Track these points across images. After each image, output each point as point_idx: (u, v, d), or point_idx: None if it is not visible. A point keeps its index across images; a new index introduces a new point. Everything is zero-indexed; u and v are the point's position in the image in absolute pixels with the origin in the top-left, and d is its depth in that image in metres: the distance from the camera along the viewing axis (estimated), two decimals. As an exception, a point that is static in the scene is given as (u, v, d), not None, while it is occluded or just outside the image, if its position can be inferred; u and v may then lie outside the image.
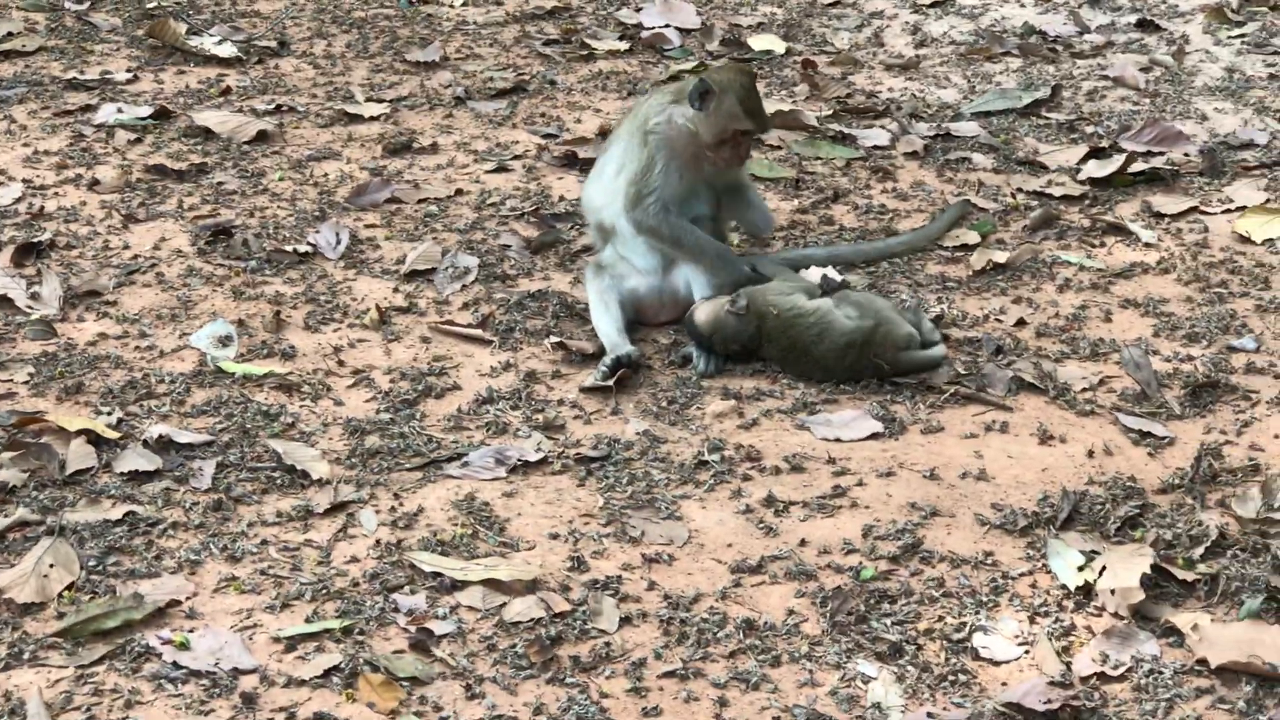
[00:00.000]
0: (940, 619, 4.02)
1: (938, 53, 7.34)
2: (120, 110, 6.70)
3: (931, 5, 7.86)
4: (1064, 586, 4.12)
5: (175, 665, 3.86)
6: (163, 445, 4.63)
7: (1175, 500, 4.44)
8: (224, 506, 4.42)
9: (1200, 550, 4.20)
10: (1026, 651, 3.93)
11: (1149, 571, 4.07)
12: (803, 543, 4.30)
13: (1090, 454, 4.64)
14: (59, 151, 6.36)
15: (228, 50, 7.31)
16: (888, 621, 4.01)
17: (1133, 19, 7.64)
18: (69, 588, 4.11)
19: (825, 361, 4.95)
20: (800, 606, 4.07)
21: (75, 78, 7.01)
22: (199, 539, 4.29)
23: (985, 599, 4.09)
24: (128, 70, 7.12)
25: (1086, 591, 4.09)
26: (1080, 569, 4.15)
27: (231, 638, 3.94)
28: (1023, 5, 7.84)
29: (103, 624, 3.98)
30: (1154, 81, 7.01)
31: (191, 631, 3.96)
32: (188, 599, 4.08)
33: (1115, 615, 4.01)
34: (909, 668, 3.88)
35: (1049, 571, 4.18)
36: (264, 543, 4.29)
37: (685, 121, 5.17)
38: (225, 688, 3.80)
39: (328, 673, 3.85)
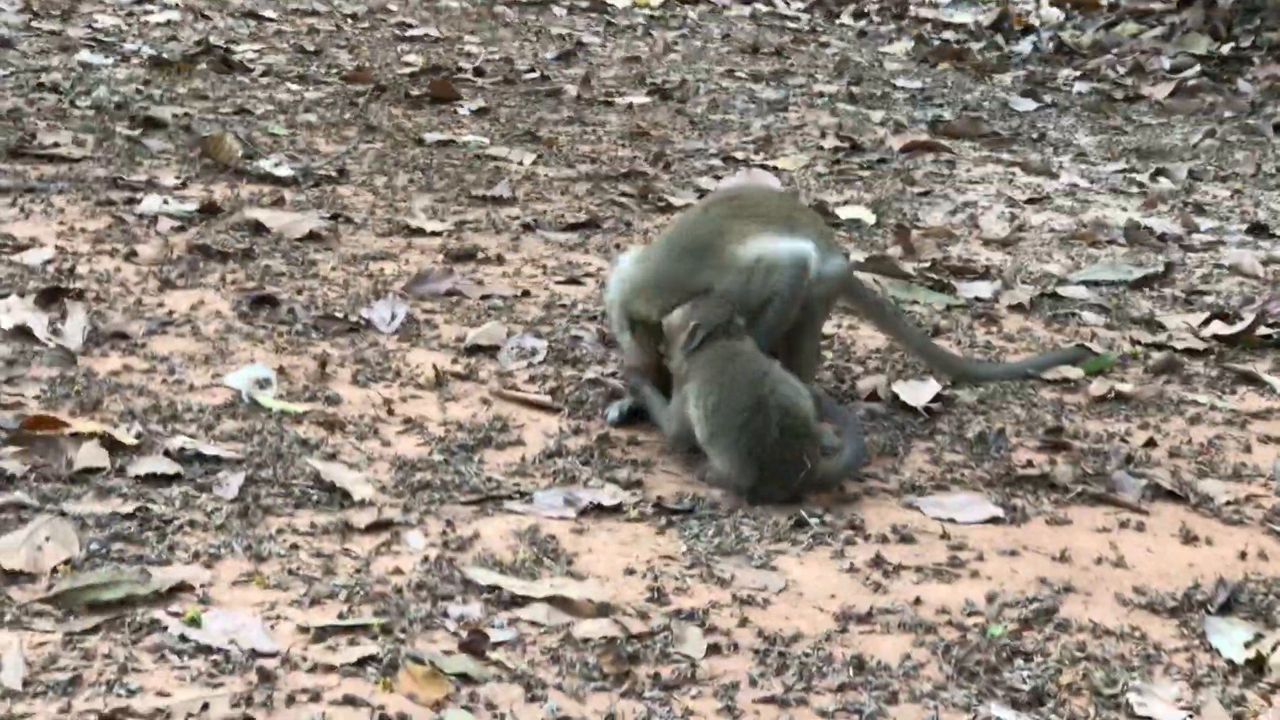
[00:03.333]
0: (1085, 676, 3.40)
1: (1038, 236, 6.86)
2: (166, 202, 6.21)
3: (1028, 201, 7.42)
4: (1230, 661, 3.49)
5: (182, 639, 3.26)
6: (186, 457, 4.06)
7: (1348, 602, 3.83)
8: (250, 514, 3.83)
9: (1391, 638, 3.59)
10: (1191, 718, 3.30)
11: (1335, 649, 3.47)
12: (917, 601, 3.69)
13: (1242, 555, 4.04)
14: (96, 231, 5.84)
15: (285, 171, 6.85)
16: (1023, 674, 3.39)
17: (1243, 226, 7.18)
18: (65, 563, 3.51)
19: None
20: (919, 655, 3.45)
21: (120, 178, 6.52)
22: (220, 538, 3.70)
23: (1137, 665, 3.47)
24: (176, 178, 6.64)
25: (1258, 666, 3.46)
26: (1248, 645, 3.53)
27: (251, 620, 3.33)
28: (1125, 209, 7.39)
29: (100, 595, 3.37)
30: (1275, 274, 6.51)
31: (205, 610, 3.36)
32: (202, 586, 3.48)
33: (1293, 692, 3.39)
34: (1053, 717, 3.25)
35: (1208, 649, 3.56)
36: (294, 547, 3.69)
37: None
38: (240, 665, 3.19)
39: (362, 662, 3.23)
